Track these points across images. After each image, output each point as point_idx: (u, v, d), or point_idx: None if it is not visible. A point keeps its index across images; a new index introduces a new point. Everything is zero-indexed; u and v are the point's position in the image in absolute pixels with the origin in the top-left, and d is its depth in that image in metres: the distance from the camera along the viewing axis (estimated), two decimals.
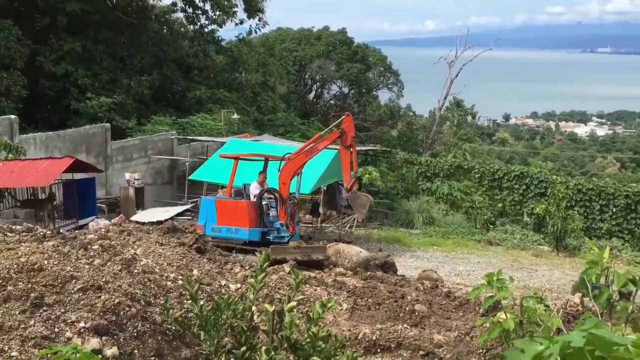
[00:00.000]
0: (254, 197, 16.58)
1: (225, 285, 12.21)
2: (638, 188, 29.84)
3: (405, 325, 11.89)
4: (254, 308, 6.10)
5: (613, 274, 3.90)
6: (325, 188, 22.17)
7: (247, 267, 13.83)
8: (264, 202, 16.60)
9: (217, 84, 36.42)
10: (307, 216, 23.71)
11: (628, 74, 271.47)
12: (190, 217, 21.00)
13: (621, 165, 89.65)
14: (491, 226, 27.51)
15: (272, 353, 3.58)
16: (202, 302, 4.12)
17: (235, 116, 32.04)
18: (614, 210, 28.21)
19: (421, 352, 10.93)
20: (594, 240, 26.07)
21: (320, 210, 23.00)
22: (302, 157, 16.06)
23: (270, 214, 16.50)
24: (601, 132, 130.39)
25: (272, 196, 16.59)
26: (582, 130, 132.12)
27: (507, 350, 2.04)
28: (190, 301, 4.19)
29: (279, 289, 12.53)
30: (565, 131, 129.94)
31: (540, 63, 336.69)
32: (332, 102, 49.58)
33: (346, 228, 23.24)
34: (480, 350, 8.34)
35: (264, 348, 3.61)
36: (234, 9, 35.89)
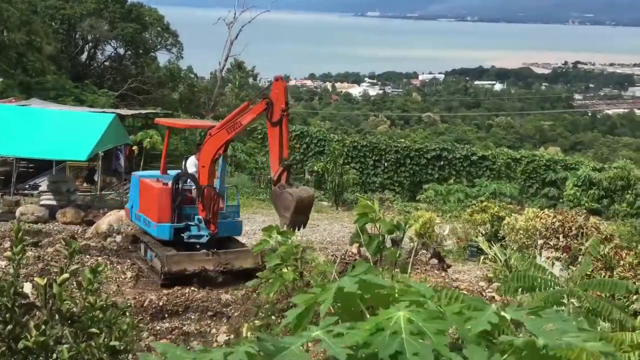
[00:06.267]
0: None
1: None
2: (406, 143, 32.38)
3: (192, 288, 11.89)
4: (26, 284, 5.66)
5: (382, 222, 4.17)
6: (102, 154, 21.17)
7: None
8: (184, 189, 13.10)
9: None
10: (85, 184, 22.58)
11: (394, 37, 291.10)
12: None
13: (391, 123, 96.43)
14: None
15: (44, 327, 3.34)
16: None
17: None
18: (386, 165, 30.33)
19: (209, 313, 11.02)
20: (369, 193, 27.99)
21: (96, 177, 21.94)
22: (223, 134, 12.35)
23: (189, 206, 13.05)
24: (373, 92, 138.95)
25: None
26: (356, 91, 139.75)
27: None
28: None
29: (56, 262, 11.84)
30: (341, 92, 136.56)
31: (316, 26, 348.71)
32: (107, 63, 47.13)
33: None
34: (267, 305, 8.57)
35: (33, 324, 3.36)
36: None
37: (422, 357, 1.66)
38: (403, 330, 1.72)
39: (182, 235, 12.83)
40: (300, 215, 11.19)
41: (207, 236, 12.73)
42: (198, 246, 12.81)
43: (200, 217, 12.65)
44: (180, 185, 12.91)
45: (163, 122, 15.63)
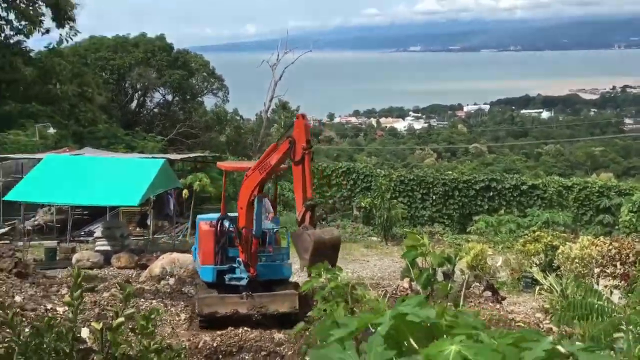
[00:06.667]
0: None
1: (51, 309, 11.51)
2: (454, 175, 32.11)
3: (245, 328, 11.91)
4: (84, 329, 5.76)
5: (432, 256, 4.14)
6: (154, 198, 21.60)
7: None
8: (230, 231, 13.00)
9: (28, 97, 34.18)
10: (137, 229, 23.01)
11: (437, 70, 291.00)
12: (7, 241, 19.52)
13: (438, 156, 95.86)
14: (323, 222, 28.26)
15: None
16: (26, 329, 3.83)
17: (51, 130, 30.29)
18: (434, 197, 30.07)
19: (263, 353, 11.01)
20: (418, 227, 27.74)
21: (149, 221, 22.37)
22: (256, 175, 12.14)
23: (233, 249, 12.94)
24: (418, 125, 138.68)
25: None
26: (400, 125, 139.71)
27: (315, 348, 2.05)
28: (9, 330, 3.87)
29: (111, 306, 12.03)
30: (386, 127, 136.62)
31: (358, 63, 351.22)
32: (155, 110, 48.40)
33: (180, 237, 22.80)
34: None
35: None
36: (40, 18, 33.84)
37: None
38: None
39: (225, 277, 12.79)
40: (321, 257, 9.67)
41: (246, 279, 12.60)
42: (241, 289, 12.72)
43: (239, 259, 12.61)
44: (226, 227, 12.84)
45: (224, 165, 15.63)
